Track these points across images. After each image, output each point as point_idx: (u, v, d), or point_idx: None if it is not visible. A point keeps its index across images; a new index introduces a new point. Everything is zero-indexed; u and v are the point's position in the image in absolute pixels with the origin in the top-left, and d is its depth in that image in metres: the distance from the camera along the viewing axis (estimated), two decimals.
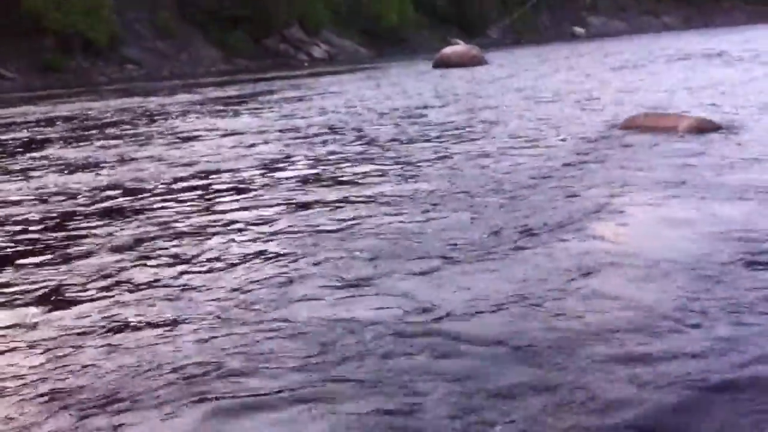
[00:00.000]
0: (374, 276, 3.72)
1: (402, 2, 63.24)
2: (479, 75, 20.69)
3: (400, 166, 7.01)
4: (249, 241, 4.65)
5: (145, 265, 4.24)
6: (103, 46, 43.06)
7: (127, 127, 13.01)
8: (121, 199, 6.43)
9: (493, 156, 7.10)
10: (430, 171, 6.68)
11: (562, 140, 7.77)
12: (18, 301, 3.77)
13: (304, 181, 6.60)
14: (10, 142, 11.77)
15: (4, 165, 9.05)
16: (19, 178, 7.93)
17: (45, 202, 6.50)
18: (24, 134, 12.91)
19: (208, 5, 49.96)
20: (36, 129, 13.82)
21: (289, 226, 4.98)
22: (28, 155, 9.79)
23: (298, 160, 7.80)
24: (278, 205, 5.68)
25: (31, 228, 5.54)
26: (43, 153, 9.92)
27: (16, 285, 4.04)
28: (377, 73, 26.88)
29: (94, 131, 12.62)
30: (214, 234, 4.93)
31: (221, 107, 16.01)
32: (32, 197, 6.69)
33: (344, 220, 4.96)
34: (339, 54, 55.71)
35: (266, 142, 9.33)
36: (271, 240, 4.62)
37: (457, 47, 31.50)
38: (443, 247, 4.22)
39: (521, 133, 8.40)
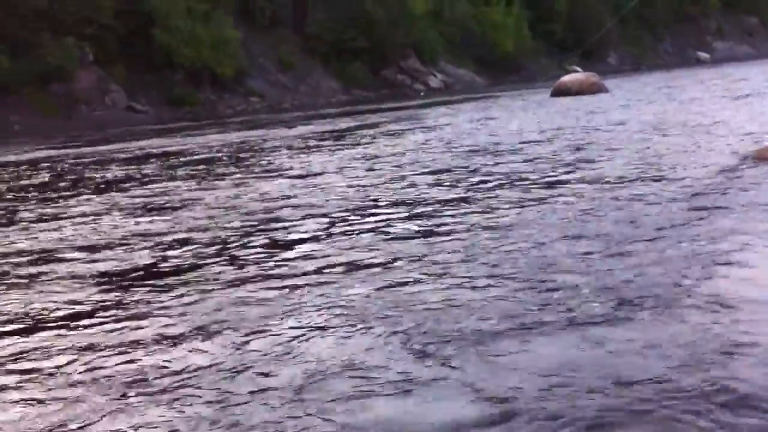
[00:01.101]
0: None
1: (518, 29, 63.07)
2: (600, 103, 20.35)
3: (507, 207, 6.68)
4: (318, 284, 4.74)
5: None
6: (230, 79, 44.89)
7: (244, 162, 13.49)
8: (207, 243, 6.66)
9: (616, 194, 6.79)
10: (541, 213, 6.23)
11: (691, 173, 7.54)
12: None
13: (407, 218, 6.65)
14: (130, 173, 12.38)
15: (120, 197, 9.53)
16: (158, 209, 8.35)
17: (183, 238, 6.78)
18: (152, 166, 13.56)
19: (328, 38, 51.30)
20: (164, 161, 14.49)
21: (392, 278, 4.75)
22: (156, 187, 10.26)
23: (411, 199, 7.85)
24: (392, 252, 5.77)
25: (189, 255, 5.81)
26: (167, 186, 10.37)
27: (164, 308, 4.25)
28: (494, 103, 26.86)
29: (217, 165, 13.15)
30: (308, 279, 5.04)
31: (339, 140, 16.34)
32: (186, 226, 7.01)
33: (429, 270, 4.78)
34: (455, 83, 56.01)
35: (379, 177, 9.46)
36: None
37: (576, 75, 31.10)
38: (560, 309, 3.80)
39: (648, 166, 8.19)
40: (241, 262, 5.51)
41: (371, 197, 7.92)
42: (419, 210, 6.96)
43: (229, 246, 6.12)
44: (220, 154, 14.92)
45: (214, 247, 6.10)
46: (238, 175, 10.94)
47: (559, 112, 18.26)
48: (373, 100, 44.64)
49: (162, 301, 4.49)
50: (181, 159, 14.60)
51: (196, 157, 14.75)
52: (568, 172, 8.37)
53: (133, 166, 13.74)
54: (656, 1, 77.37)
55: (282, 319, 3.95)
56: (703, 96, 20.69)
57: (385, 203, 7.52)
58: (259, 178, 10.44)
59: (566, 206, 6.43)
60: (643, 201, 6.31)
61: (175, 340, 3.75)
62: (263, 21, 51.14)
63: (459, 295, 4.13)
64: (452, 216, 6.48)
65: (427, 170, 9.64)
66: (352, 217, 6.87)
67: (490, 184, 8.09)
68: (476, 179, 8.56)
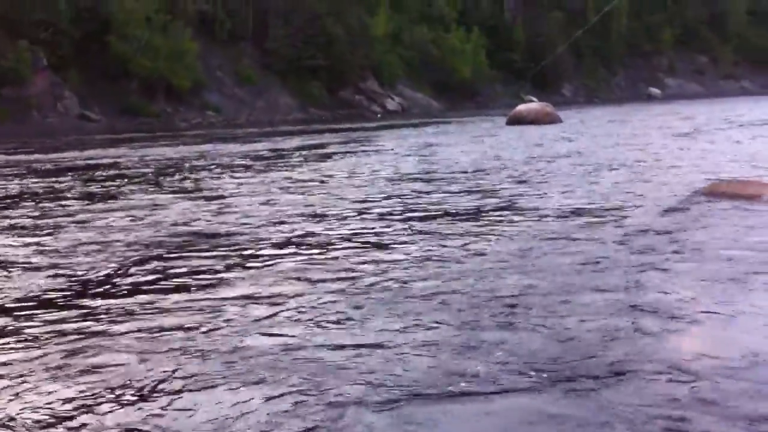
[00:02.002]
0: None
1: (476, 56, 63.78)
2: (554, 134, 20.64)
3: (442, 235, 6.50)
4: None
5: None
6: (186, 91, 44.49)
7: (169, 179, 13.24)
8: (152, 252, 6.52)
9: (568, 226, 6.72)
10: (491, 243, 5.98)
11: (643, 207, 7.64)
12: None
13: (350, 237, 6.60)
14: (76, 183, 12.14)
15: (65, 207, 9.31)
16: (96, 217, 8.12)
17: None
18: (72, 179, 13.31)
19: (287, 54, 51.23)
20: (90, 174, 14.23)
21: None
22: (102, 197, 10.05)
23: (359, 216, 7.81)
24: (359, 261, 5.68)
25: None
26: (112, 197, 10.18)
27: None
28: (450, 128, 27.06)
29: (139, 182, 12.96)
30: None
31: (294, 158, 16.28)
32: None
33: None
34: (412, 107, 56.34)
35: (293, 204, 9.38)
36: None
37: (532, 104, 31.54)
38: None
39: (595, 200, 8.25)
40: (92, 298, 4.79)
41: (275, 227, 7.12)
42: (307, 245, 6.25)
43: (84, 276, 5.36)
44: (149, 170, 14.28)
45: (79, 276, 5.35)
46: (150, 195, 10.11)
47: (512, 141, 18.47)
48: (329, 119, 44.64)
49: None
50: (110, 172, 13.92)
51: (126, 171, 14.19)
52: (508, 205, 8.12)
53: (52, 178, 13.17)
54: (611, 36, 79.00)
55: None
56: (653, 131, 21.13)
57: (293, 234, 6.80)
58: (169, 199, 9.62)
59: (495, 244, 5.94)
60: (585, 239, 5.96)
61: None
62: (222, 34, 50.89)
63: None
64: (357, 251, 5.94)
65: (356, 199, 9.09)
66: (245, 249, 6.11)
67: (416, 215, 7.69)
68: (403, 209, 8.09)
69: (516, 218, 7.21)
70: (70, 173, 14.04)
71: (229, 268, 5.42)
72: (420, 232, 6.69)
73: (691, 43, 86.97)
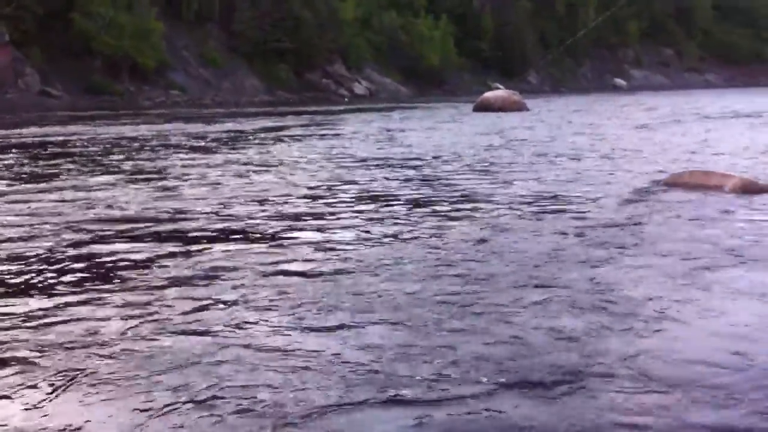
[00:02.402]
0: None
1: (445, 43, 63.84)
2: (520, 121, 20.72)
3: (403, 219, 6.43)
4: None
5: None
6: (151, 71, 43.95)
7: (146, 155, 13.12)
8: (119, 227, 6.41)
9: (525, 216, 6.57)
10: (443, 235, 5.78)
11: (604, 196, 7.65)
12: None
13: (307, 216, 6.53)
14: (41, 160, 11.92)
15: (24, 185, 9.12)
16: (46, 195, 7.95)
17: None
18: (60, 151, 13.08)
19: (254, 37, 50.84)
20: (60, 150, 14.00)
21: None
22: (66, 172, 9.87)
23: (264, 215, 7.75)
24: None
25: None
26: (75, 176, 10.00)
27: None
28: (417, 114, 27.04)
29: (132, 154, 12.78)
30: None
31: (251, 140, 16.14)
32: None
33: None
34: (379, 91, 56.28)
35: (296, 177, 9.33)
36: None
37: (499, 92, 31.64)
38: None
39: (557, 189, 8.24)
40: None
41: (210, 213, 6.76)
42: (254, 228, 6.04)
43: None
44: (98, 148, 13.86)
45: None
46: (91, 176, 9.62)
47: (478, 128, 18.48)
48: (296, 102, 44.42)
49: None
50: (57, 150, 13.55)
51: (75, 149, 13.71)
52: (464, 194, 7.89)
53: None
54: (578, 27, 79.43)
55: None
56: (617, 121, 21.30)
57: (229, 219, 6.50)
58: (111, 179, 9.20)
59: (447, 236, 5.68)
60: (542, 231, 5.82)
61: None
62: (189, 15, 50.32)
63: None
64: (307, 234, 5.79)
65: (306, 184, 8.78)
66: (173, 235, 5.79)
67: (366, 202, 7.42)
68: (352, 196, 7.79)
69: (471, 208, 7.00)
70: (15, 150, 13.75)
71: (153, 257, 5.05)
72: (368, 221, 6.38)
73: (657, 36, 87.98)
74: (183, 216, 6.63)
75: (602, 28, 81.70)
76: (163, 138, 16.53)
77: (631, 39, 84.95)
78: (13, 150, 13.73)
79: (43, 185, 8.82)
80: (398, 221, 6.32)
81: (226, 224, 6.25)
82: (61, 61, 40.37)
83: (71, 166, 10.87)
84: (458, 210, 6.86)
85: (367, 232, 5.85)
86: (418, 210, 6.90)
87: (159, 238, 5.72)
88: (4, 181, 9.27)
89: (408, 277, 4.41)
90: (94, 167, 10.80)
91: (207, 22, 51.43)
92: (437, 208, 7.00)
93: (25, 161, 11.83)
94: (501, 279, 4.35)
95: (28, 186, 8.83)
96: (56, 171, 10.30)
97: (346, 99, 49.23)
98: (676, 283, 4.24)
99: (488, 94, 28.87)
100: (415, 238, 5.60)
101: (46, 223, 6.32)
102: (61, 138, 16.60)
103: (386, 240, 5.54)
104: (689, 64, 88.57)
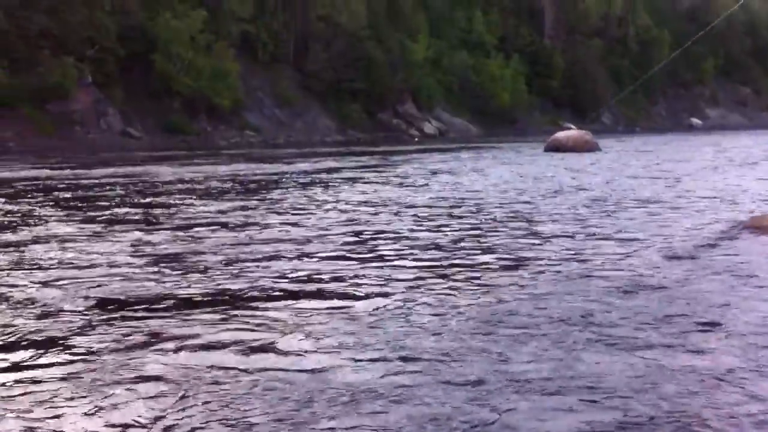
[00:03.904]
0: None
1: (515, 82, 63.83)
2: (593, 162, 20.49)
3: (468, 268, 6.23)
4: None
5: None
6: (226, 111, 45.10)
7: (235, 195, 13.41)
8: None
9: (604, 253, 6.63)
10: (498, 283, 5.82)
11: (684, 237, 7.53)
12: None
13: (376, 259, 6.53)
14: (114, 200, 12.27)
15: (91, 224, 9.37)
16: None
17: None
18: (140, 191, 13.46)
19: (327, 77, 51.75)
20: (154, 189, 14.40)
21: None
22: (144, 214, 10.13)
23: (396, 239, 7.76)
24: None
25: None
26: (162, 212, 10.26)
27: None
28: (489, 153, 26.99)
29: (220, 194, 13.08)
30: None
31: (333, 181, 16.32)
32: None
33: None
34: (449, 131, 56.47)
35: (367, 220, 9.39)
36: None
37: (570, 132, 31.39)
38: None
39: (636, 231, 8.13)
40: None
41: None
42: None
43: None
44: (163, 189, 14.45)
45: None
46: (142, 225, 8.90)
47: (552, 168, 18.35)
48: (368, 141, 44.85)
49: None
50: (119, 191, 14.35)
51: (142, 189, 14.41)
52: (550, 233, 7.87)
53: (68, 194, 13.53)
54: (651, 65, 78.45)
55: None
56: (695, 162, 20.89)
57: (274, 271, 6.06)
58: (154, 228, 8.69)
59: (536, 273, 5.74)
60: (626, 269, 5.82)
61: None
62: (264, 56, 51.57)
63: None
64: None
65: (360, 228, 8.66)
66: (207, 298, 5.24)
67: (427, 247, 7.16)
68: (414, 239, 7.61)
69: (549, 246, 7.07)
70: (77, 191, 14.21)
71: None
72: (423, 272, 6.08)
73: (733, 73, 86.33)
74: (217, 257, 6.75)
75: (677, 66, 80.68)
76: (235, 179, 16.87)
77: (707, 77, 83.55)
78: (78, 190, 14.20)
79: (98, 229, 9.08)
80: (453, 276, 6.30)
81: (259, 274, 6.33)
82: (141, 101, 41.74)
83: (117, 213, 11.18)
84: (531, 252, 6.79)
85: (424, 288, 5.86)
86: (484, 252, 6.85)
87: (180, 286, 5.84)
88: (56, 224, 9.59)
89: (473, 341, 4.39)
90: (137, 214, 10.86)
91: (281, 62, 52.60)
92: (497, 255, 6.85)
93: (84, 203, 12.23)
94: (578, 324, 4.31)
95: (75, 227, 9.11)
96: (94, 217, 10.60)
97: (416, 139, 49.51)
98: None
99: (559, 134, 28.65)
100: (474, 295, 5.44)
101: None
102: (140, 178, 17.09)
103: (440, 301, 5.47)
104: (767, 102, 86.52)
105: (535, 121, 63.88)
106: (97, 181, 15.95)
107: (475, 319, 4.46)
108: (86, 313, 4.74)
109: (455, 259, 6.51)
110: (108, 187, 14.30)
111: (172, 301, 5.05)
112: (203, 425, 3.01)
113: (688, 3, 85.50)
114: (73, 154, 27.94)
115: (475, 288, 5.32)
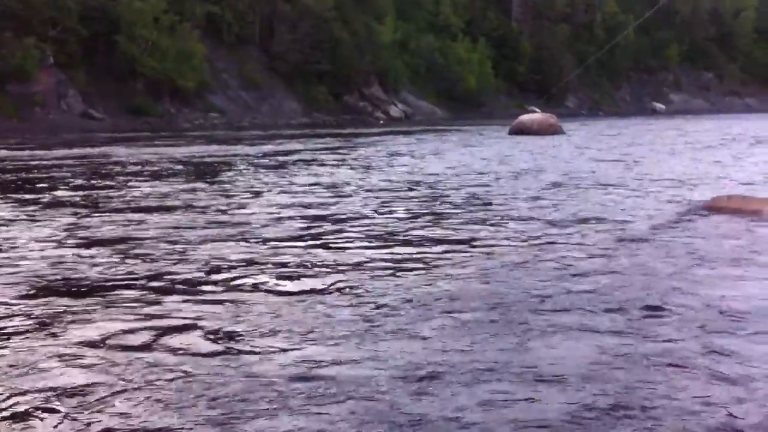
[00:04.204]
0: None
1: (482, 66, 63.90)
2: (556, 145, 20.64)
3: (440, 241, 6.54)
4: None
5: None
6: (191, 93, 44.63)
7: (185, 177, 13.30)
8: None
9: (560, 234, 6.72)
10: (484, 244, 6.28)
11: (643, 218, 7.62)
12: None
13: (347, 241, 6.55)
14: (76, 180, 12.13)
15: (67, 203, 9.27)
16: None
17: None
18: (102, 172, 13.31)
19: (293, 59, 51.37)
20: (110, 169, 14.25)
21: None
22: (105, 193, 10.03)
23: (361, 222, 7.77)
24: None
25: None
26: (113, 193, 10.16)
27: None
28: (453, 137, 27.05)
29: (171, 177, 12.96)
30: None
31: (289, 163, 16.27)
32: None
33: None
34: (415, 114, 56.46)
35: (336, 201, 9.38)
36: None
37: (535, 115, 31.56)
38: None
39: (595, 212, 8.24)
40: None
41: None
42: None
43: None
44: (112, 171, 14.34)
45: None
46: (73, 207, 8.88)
47: (515, 151, 18.45)
48: (333, 124, 44.73)
49: None
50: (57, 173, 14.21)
51: (91, 171, 14.23)
52: (506, 216, 7.96)
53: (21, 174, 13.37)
54: (616, 50, 79.05)
55: None
56: (657, 146, 21.13)
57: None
58: (92, 211, 8.53)
59: (494, 254, 5.82)
60: (575, 257, 5.74)
61: None
62: (230, 37, 51.06)
63: None
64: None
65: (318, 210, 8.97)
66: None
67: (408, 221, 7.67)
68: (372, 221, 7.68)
69: (504, 229, 7.12)
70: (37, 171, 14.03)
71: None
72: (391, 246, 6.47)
73: (697, 59, 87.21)
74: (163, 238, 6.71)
75: (642, 52, 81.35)
76: (190, 161, 16.74)
77: (671, 62, 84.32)
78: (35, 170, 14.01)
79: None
80: (416, 240, 6.34)
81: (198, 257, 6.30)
82: (103, 83, 41.17)
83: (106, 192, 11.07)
84: (492, 231, 6.87)
85: (396, 261, 5.88)
86: (444, 228, 6.93)
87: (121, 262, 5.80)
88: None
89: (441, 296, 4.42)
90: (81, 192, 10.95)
91: (247, 44, 52.14)
92: (452, 239, 6.87)
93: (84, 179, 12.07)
94: (531, 302, 4.38)
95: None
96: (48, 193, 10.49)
97: (381, 122, 49.43)
98: (719, 321, 4.21)
99: (524, 117, 28.79)
100: (440, 252, 5.62)
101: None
102: (92, 160, 16.89)
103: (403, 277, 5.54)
104: (730, 87, 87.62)
105: (501, 104, 64.06)
106: (47, 162, 15.70)
107: (419, 304, 4.38)
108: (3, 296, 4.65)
109: (402, 243, 6.43)
110: (55, 170, 14.07)
111: (95, 285, 4.94)
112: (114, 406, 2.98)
113: None
114: (33, 136, 27.52)
115: (422, 272, 5.23)
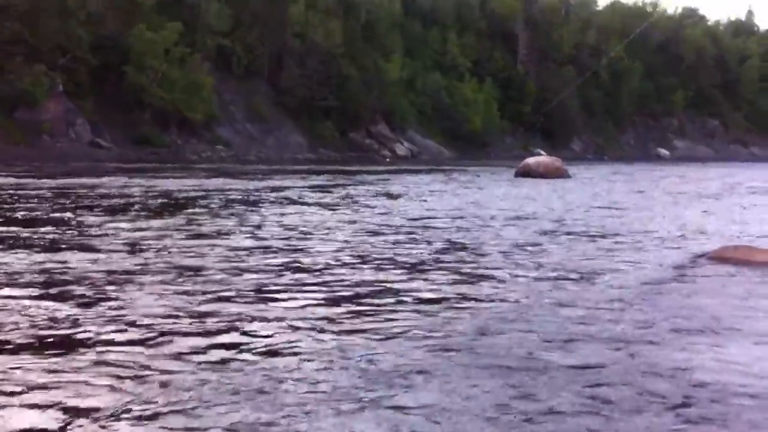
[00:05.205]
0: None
1: (488, 107, 64.26)
2: (563, 189, 20.63)
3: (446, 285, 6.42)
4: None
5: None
6: (198, 124, 44.83)
7: (202, 210, 13.28)
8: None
9: (565, 284, 6.61)
10: (494, 291, 6.16)
11: (647, 268, 7.55)
12: None
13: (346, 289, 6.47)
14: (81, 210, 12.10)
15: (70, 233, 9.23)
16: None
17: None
18: (104, 204, 13.30)
19: (301, 93, 51.66)
20: (114, 202, 14.24)
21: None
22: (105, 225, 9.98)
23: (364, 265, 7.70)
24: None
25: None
26: (116, 226, 10.12)
27: None
28: (460, 177, 27.08)
29: (172, 209, 12.94)
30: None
31: (301, 199, 16.25)
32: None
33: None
34: (421, 153, 56.62)
35: (337, 243, 9.32)
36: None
37: (541, 158, 31.67)
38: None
39: (601, 259, 8.16)
40: None
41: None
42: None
43: None
44: (87, 203, 14.35)
45: None
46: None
47: (522, 194, 18.44)
48: (339, 160, 44.82)
49: None
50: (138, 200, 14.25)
51: (68, 203, 14.23)
52: (512, 262, 7.84)
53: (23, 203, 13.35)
54: (621, 95, 79.64)
55: None
56: (663, 192, 21.12)
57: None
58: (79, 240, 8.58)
59: (493, 302, 5.72)
60: (577, 304, 5.68)
61: None
62: (238, 69, 51.42)
63: None
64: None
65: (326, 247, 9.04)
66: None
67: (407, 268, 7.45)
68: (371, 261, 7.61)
69: (506, 278, 6.91)
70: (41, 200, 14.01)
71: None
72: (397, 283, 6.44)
73: (702, 106, 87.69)
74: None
75: (647, 96, 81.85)
76: (206, 194, 16.73)
77: (676, 108, 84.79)
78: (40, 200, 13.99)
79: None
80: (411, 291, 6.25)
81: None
82: (111, 112, 41.37)
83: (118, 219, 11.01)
84: (498, 278, 6.76)
85: (402, 297, 5.80)
86: (452, 275, 6.81)
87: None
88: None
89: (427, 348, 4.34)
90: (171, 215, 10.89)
91: (255, 77, 52.51)
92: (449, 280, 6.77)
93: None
94: (526, 360, 4.28)
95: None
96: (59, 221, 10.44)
97: (387, 159, 49.58)
98: (732, 366, 4.14)
99: (530, 160, 28.88)
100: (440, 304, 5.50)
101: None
102: (111, 190, 16.89)
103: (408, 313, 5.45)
104: (734, 135, 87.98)
105: (507, 145, 64.30)
106: (32, 192, 15.47)
107: (392, 367, 4.04)
108: None
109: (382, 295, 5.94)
110: (28, 200, 14.00)
111: None
112: None
113: (660, 36, 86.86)
114: (40, 163, 27.59)
115: (394, 332, 4.80)
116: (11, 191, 15.56)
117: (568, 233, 10.45)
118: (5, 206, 12.60)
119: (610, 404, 3.56)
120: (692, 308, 5.72)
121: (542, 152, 48.20)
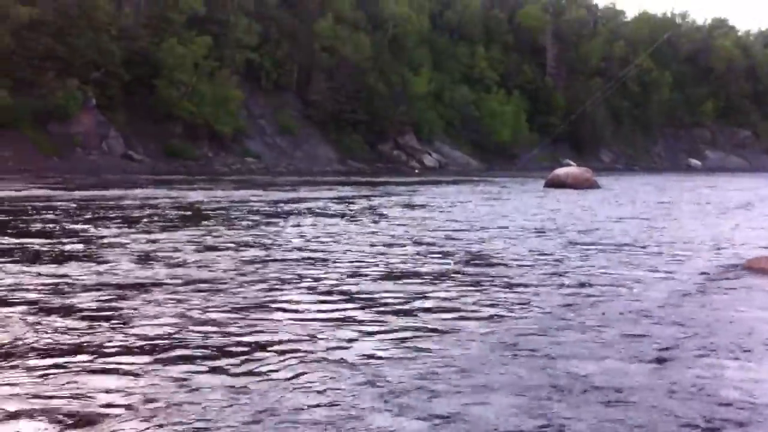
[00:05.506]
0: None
1: (516, 118, 64.12)
2: (593, 200, 20.51)
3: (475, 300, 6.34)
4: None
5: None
6: (228, 137, 45.23)
7: (237, 219, 13.39)
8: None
9: (593, 296, 6.56)
10: (527, 306, 6.08)
11: (677, 279, 7.49)
12: None
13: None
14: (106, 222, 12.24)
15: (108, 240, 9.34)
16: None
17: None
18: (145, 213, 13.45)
19: (329, 107, 51.96)
20: (157, 212, 14.39)
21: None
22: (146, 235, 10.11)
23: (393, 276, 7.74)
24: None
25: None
26: (152, 236, 10.24)
27: None
28: (491, 188, 27.03)
29: (211, 221, 13.06)
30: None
31: (329, 211, 16.32)
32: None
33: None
34: (449, 164, 56.63)
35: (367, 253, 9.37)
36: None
37: (570, 168, 31.53)
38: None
39: (635, 268, 8.11)
40: None
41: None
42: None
43: None
44: (109, 214, 14.55)
45: None
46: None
47: (551, 205, 18.35)
48: (367, 172, 44.94)
49: None
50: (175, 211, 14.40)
51: (92, 214, 14.46)
52: (541, 273, 7.77)
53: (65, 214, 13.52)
54: (651, 106, 79.05)
55: None
56: (694, 202, 20.93)
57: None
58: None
59: (526, 314, 5.69)
60: (614, 315, 5.70)
61: None
62: (267, 83, 51.82)
63: None
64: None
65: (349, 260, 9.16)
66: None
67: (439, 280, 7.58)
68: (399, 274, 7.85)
69: (532, 290, 6.87)
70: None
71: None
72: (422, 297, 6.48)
73: (733, 117, 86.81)
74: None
75: (677, 107, 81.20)
76: (235, 205, 16.86)
77: (707, 119, 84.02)
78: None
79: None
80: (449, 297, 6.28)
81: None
82: (143, 125, 41.87)
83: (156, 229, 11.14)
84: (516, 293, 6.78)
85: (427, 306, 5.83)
86: (484, 285, 6.84)
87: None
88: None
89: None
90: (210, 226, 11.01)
91: (284, 91, 52.87)
92: (497, 285, 6.87)
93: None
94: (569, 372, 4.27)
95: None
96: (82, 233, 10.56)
97: (416, 171, 49.63)
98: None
99: (559, 171, 28.77)
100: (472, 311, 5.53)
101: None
102: (147, 201, 17.08)
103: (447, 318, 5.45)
104: (766, 145, 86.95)
105: (534, 157, 64.02)
106: (58, 204, 15.47)
107: (407, 387, 3.92)
108: None
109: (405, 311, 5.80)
110: (50, 212, 14.19)
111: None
112: None
113: (689, 47, 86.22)
114: (72, 175, 27.96)
115: (413, 347, 4.74)
116: (42, 202, 15.78)
117: (598, 244, 10.38)
118: (44, 214, 12.78)
119: (631, 427, 3.47)
120: (723, 321, 5.63)
121: (572, 163, 48.02)
